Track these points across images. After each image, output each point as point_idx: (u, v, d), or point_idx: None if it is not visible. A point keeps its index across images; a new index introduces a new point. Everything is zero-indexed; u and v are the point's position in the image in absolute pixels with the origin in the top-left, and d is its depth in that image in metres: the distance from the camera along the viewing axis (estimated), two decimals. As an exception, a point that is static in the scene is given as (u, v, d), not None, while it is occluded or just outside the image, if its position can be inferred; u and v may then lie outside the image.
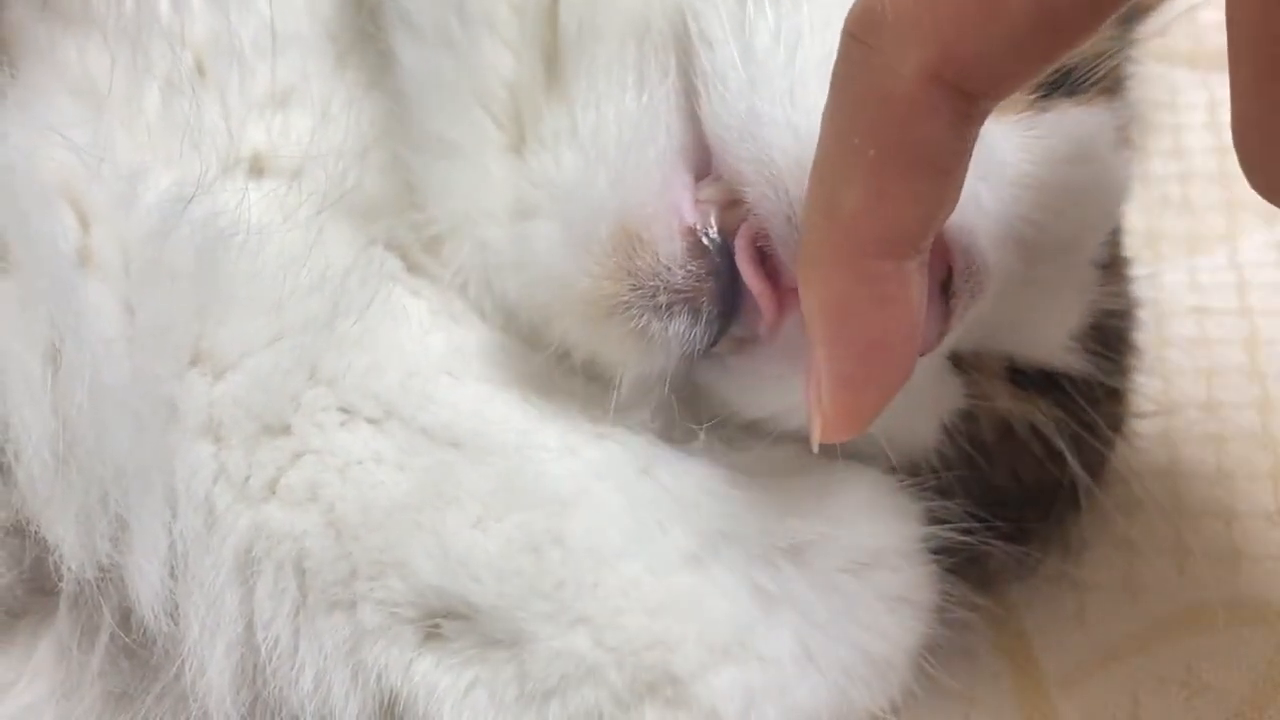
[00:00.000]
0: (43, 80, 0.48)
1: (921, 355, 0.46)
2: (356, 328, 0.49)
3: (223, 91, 0.51)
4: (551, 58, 0.50)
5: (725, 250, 0.47)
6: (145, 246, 0.47)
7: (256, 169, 0.52)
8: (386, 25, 0.52)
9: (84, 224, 0.47)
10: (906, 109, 0.37)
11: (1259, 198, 0.73)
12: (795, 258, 0.44)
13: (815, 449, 0.45)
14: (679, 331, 0.47)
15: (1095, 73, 0.54)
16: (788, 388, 0.48)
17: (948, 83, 0.37)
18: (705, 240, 0.47)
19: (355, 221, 0.52)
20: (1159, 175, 0.78)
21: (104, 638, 0.48)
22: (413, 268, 0.53)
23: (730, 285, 0.47)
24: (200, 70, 0.51)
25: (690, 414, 0.52)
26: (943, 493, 0.56)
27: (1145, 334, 0.66)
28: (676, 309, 0.47)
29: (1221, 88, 0.75)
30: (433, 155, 0.52)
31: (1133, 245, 0.72)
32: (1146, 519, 0.63)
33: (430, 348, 0.51)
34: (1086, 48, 0.54)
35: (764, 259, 0.47)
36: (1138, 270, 0.69)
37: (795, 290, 0.45)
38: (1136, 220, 0.75)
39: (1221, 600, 0.60)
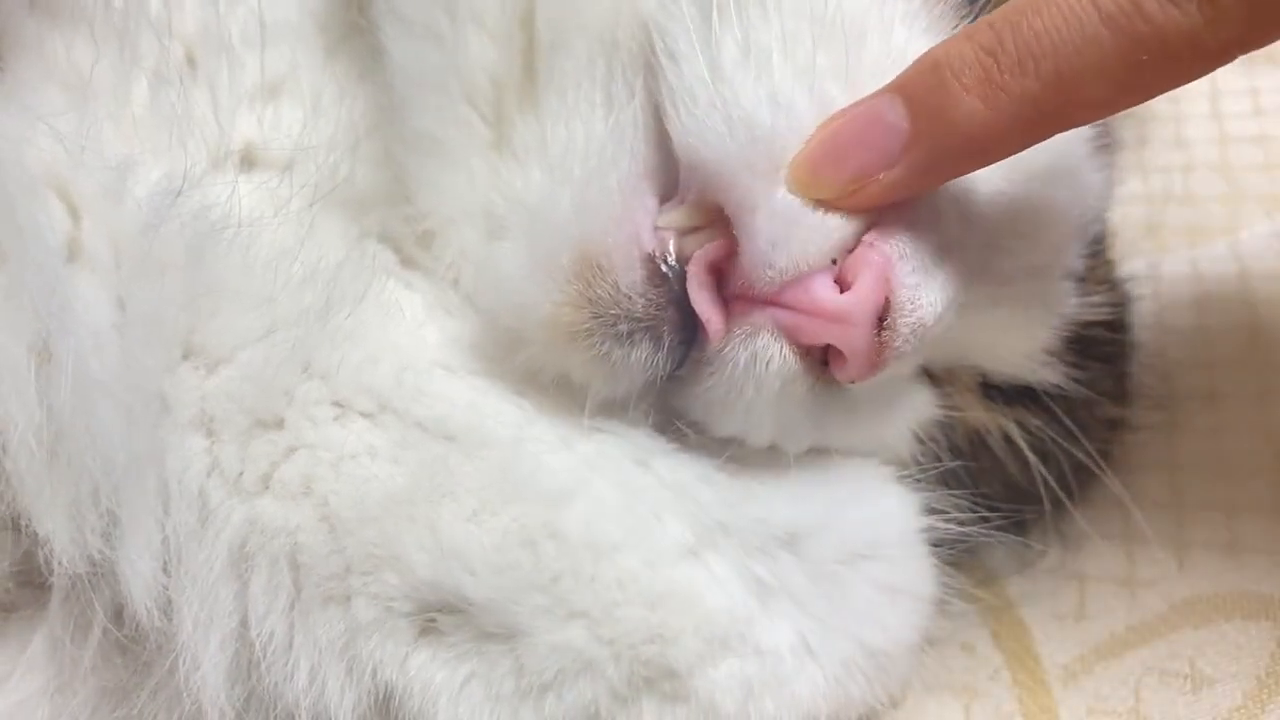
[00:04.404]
0: (31, 73, 0.48)
1: (852, 383, 0.48)
2: (349, 321, 0.49)
3: (212, 83, 0.51)
4: (529, 61, 0.50)
5: (684, 277, 0.48)
6: (136, 240, 0.47)
7: (247, 161, 0.52)
8: (376, 18, 0.52)
9: (74, 216, 0.47)
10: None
11: (1261, 188, 0.72)
12: (760, 259, 0.46)
13: None
14: (641, 358, 0.48)
15: None
16: (742, 409, 0.49)
17: None
18: (664, 268, 0.48)
19: (348, 214, 0.52)
20: (1161, 166, 0.78)
21: (96, 633, 0.48)
22: (406, 261, 0.54)
23: (690, 312, 0.48)
24: (191, 62, 0.51)
25: (677, 414, 0.52)
26: (943, 483, 0.56)
27: (1146, 326, 0.66)
28: (638, 337, 0.48)
29: (1223, 78, 0.75)
30: (421, 152, 0.52)
31: (1134, 236, 0.72)
32: (1147, 512, 0.63)
33: (424, 341, 0.51)
34: None
35: (720, 277, 0.48)
36: (1138, 263, 0.68)
37: (750, 296, 0.47)
38: (1138, 211, 0.75)
39: (1223, 593, 0.59)
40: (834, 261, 0.47)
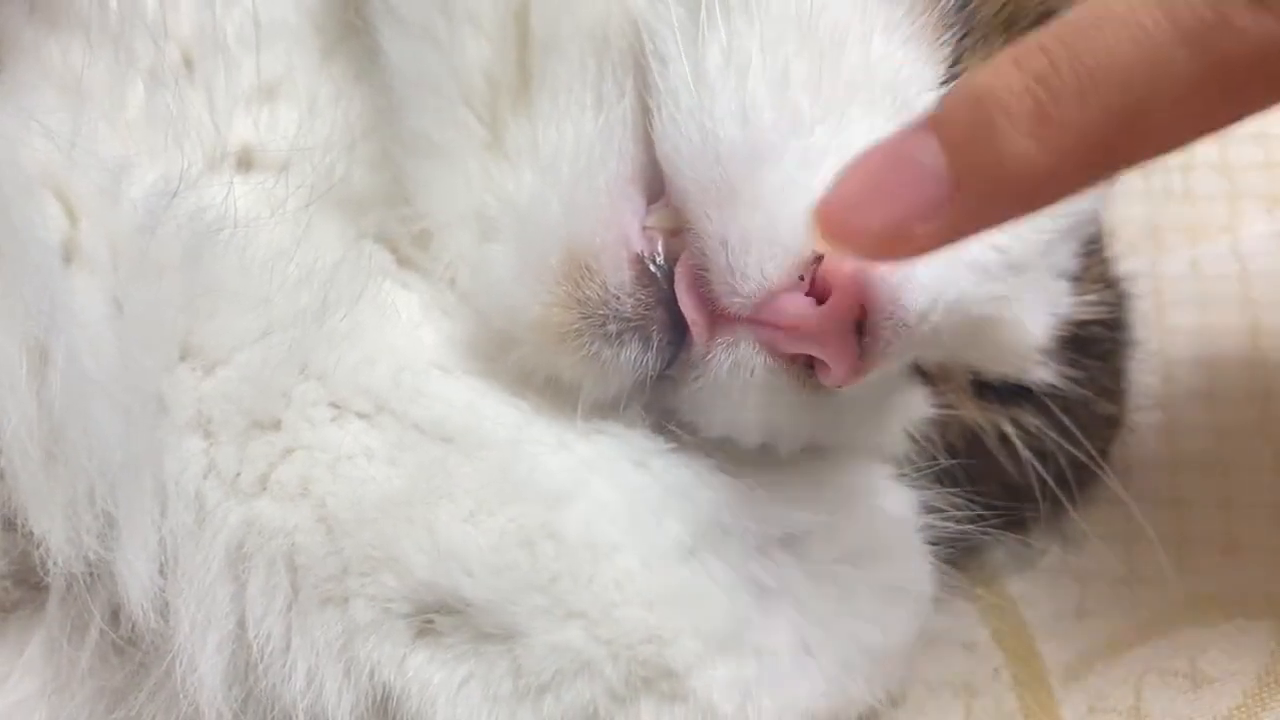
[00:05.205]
0: (28, 76, 0.48)
1: (837, 387, 0.48)
2: (346, 322, 0.49)
3: (208, 85, 0.51)
4: (524, 62, 0.50)
5: (672, 277, 0.48)
6: (132, 241, 0.47)
7: (244, 162, 0.52)
8: (372, 18, 0.52)
9: (71, 217, 0.47)
10: None
11: (1261, 187, 0.72)
12: (726, 284, 0.46)
13: None
14: (630, 358, 0.48)
15: None
16: (729, 412, 0.49)
17: None
18: (652, 268, 0.48)
19: (344, 215, 0.52)
20: (1160, 164, 0.77)
21: (94, 634, 0.48)
22: (403, 261, 0.53)
23: (679, 312, 0.48)
24: (187, 64, 0.51)
25: (669, 416, 0.52)
26: (940, 482, 0.56)
27: (1145, 324, 0.66)
28: (626, 337, 0.48)
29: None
30: (418, 153, 0.52)
31: (1133, 235, 0.72)
32: (1147, 510, 0.63)
33: (421, 342, 0.51)
34: None
35: (705, 283, 0.47)
36: (1137, 261, 0.68)
37: (727, 315, 0.47)
38: (1137, 210, 0.75)
39: (1223, 592, 0.59)
40: (802, 277, 0.46)
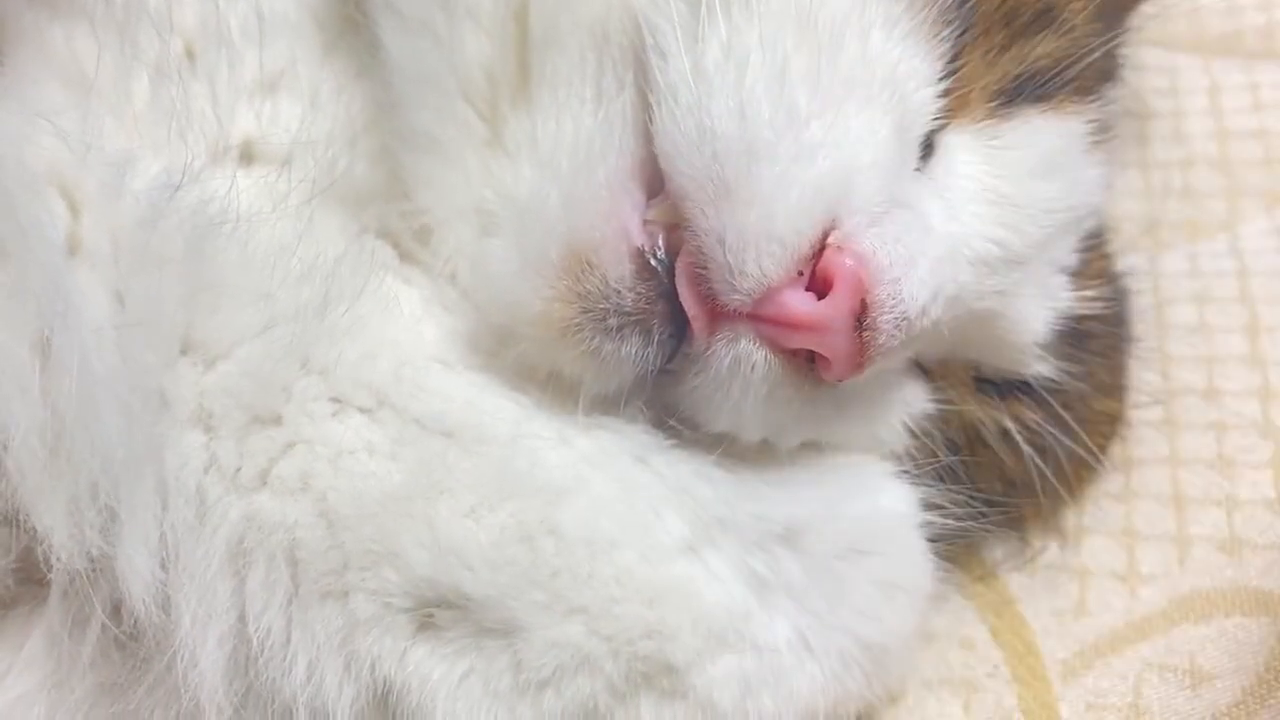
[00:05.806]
0: (31, 68, 0.48)
1: (837, 382, 0.48)
2: (348, 317, 0.49)
3: (212, 78, 0.51)
4: (523, 57, 0.50)
5: (673, 271, 0.48)
6: (134, 234, 0.47)
7: (246, 156, 0.52)
8: (373, 13, 0.52)
9: (74, 211, 0.47)
10: None
11: (1260, 183, 0.73)
12: (725, 281, 0.46)
13: None
14: (631, 352, 0.48)
15: (1063, 76, 0.54)
16: (730, 408, 0.49)
17: None
18: (653, 262, 0.48)
19: (346, 209, 0.52)
20: (1159, 161, 0.78)
21: (95, 629, 0.48)
22: (404, 256, 0.53)
23: (680, 305, 0.48)
24: (190, 56, 0.51)
25: (670, 411, 0.52)
26: (940, 478, 0.56)
27: (1145, 321, 0.66)
28: (627, 331, 0.48)
29: (1223, 73, 0.75)
30: (418, 149, 0.52)
31: (1132, 232, 0.72)
32: (1147, 508, 0.63)
33: (422, 336, 0.51)
34: (1052, 48, 0.54)
35: (705, 279, 0.47)
36: (1137, 258, 0.68)
37: (728, 310, 0.47)
38: (1136, 206, 0.75)
39: (1222, 590, 0.59)
40: (801, 273, 0.46)
